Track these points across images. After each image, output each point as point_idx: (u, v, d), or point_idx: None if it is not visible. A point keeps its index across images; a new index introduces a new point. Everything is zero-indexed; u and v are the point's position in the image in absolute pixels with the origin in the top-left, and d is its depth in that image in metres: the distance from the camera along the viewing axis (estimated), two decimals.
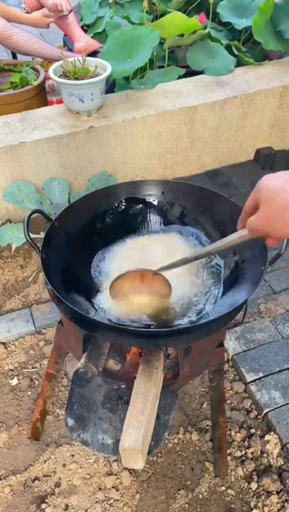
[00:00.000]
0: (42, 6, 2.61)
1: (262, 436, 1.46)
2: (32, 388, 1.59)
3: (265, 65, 2.47)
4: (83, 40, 2.65)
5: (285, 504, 1.32)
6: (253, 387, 1.55)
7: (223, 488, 1.36)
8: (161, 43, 2.39)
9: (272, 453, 1.42)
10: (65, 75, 2.06)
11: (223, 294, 1.02)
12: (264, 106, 2.35)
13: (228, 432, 1.46)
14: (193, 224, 1.14)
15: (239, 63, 2.46)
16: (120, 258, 1.08)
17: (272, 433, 1.45)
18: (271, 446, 1.42)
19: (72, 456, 1.42)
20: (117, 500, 1.33)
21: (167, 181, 1.17)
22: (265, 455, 1.42)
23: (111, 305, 0.98)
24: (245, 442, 1.45)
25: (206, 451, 1.43)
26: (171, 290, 0.95)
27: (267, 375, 1.58)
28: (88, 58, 2.07)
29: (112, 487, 1.35)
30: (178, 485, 1.37)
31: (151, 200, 1.17)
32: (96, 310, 0.98)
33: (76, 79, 2.02)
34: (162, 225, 1.16)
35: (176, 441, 1.46)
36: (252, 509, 1.31)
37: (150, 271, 0.93)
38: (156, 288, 0.95)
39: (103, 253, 1.10)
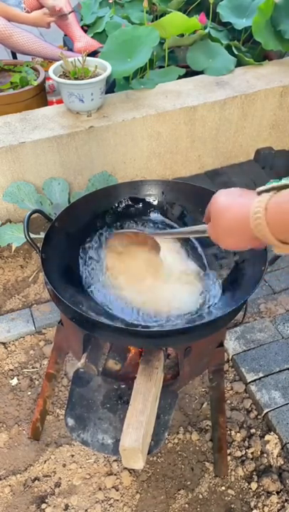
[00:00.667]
0: (42, 6, 2.60)
1: (262, 436, 1.46)
2: (32, 388, 1.59)
3: (265, 65, 2.47)
4: (83, 40, 2.65)
5: (285, 504, 1.32)
6: (253, 387, 1.55)
7: (223, 488, 1.36)
8: (161, 43, 2.39)
9: (272, 453, 1.42)
10: (65, 75, 2.06)
11: (223, 293, 1.02)
12: (264, 106, 2.35)
13: (228, 432, 1.46)
14: (193, 224, 1.14)
15: (239, 63, 2.46)
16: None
17: (272, 433, 1.46)
18: (271, 446, 1.42)
19: (72, 456, 1.42)
20: (117, 500, 1.33)
21: (167, 181, 1.17)
22: (265, 455, 1.42)
23: (106, 279, 1.04)
24: (245, 442, 1.45)
25: (206, 451, 1.43)
26: (160, 248, 1.02)
27: (267, 375, 1.58)
28: (88, 58, 2.07)
29: (112, 487, 1.35)
30: (178, 485, 1.37)
31: (151, 200, 1.17)
32: (89, 292, 1.01)
33: (76, 79, 2.02)
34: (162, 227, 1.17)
35: (176, 441, 1.46)
36: (252, 509, 1.31)
37: (144, 233, 1.02)
38: (149, 242, 1.02)
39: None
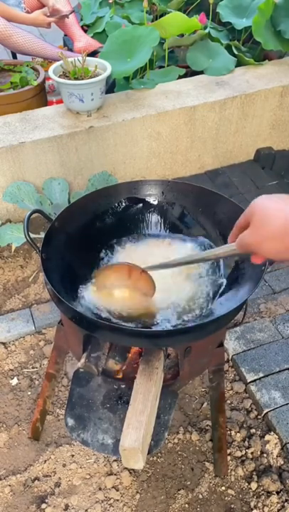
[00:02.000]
0: (42, 6, 2.61)
1: (262, 436, 1.46)
2: (32, 388, 1.59)
3: (265, 65, 2.47)
4: (83, 40, 2.65)
5: (285, 504, 1.32)
6: (253, 387, 1.55)
7: (223, 488, 1.36)
8: (161, 43, 2.40)
9: (272, 453, 1.42)
10: (65, 75, 2.06)
11: (223, 293, 1.02)
12: (264, 106, 2.35)
13: (228, 432, 1.46)
14: (193, 224, 1.14)
15: (239, 63, 2.46)
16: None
17: (272, 433, 1.45)
18: (271, 446, 1.42)
19: (72, 456, 1.42)
20: (117, 500, 1.33)
21: (167, 181, 1.17)
22: (265, 455, 1.42)
23: (94, 294, 0.99)
24: (245, 442, 1.45)
25: (206, 451, 1.43)
26: (154, 291, 0.96)
27: (267, 375, 1.58)
28: (88, 58, 2.07)
29: (112, 487, 1.35)
30: (178, 485, 1.37)
31: (151, 200, 1.17)
32: (77, 298, 0.99)
33: (76, 79, 2.02)
34: (166, 231, 1.16)
35: (176, 441, 1.46)
36: (252, 509, 1.31)
37: (138, 268, 0.94)
38: (141, 285, 0.95)
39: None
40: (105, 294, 0.98)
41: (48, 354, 1.67)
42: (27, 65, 2.47)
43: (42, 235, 1.84)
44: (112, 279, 0.97)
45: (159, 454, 1.43)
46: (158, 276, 0.99)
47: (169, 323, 0.96)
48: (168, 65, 2.46)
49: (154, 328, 0.94)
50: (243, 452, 1.42)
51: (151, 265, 0.96)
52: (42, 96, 2.42)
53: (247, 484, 1.36)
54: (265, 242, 0.68)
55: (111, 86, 2.40)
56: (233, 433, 1.46)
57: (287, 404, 1.50)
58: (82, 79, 2.01)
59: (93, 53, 2.54)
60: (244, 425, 1.49)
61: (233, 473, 1.38)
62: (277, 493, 1.34)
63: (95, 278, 0.98)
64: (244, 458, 1.42)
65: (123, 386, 0.96)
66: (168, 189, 1.16)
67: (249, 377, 1.57)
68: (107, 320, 0.94)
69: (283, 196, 0.69)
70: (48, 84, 2.63)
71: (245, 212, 0.73)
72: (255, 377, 1.57)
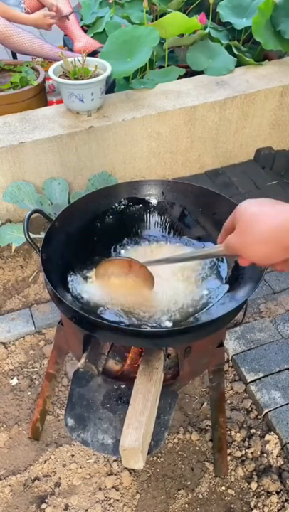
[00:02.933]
0: (42, 6, 2.61)
1: (262, 436, 1.46)
2: (32, 388, 1.59)
3: (265, 65, 2.47)
4: (83, 40, 2.65)
5: (285, 504, 1.32)
6: (253, 387, 1.55)
7: (223, 488, 1.36)
8: (161, 43, 2.40)
9: (272, 453, 1.42)
10: (65, 75, 2.06)
11: (223, 294, 1.02)
12: (264, 106, 2.35)
13: (228, 432, 1.46)
14: (193, 224, 1.14)
15: (239, 63, 2.46)
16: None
17: (272, 433, 1.46)
18: (271, 446, 1.42)
19: (72, 456, 1.42)
20: (117, 500, 1.33)
21: (167, 181, 1.17)
22: (265, 455, 1.42)
23: (94, 284, 1.00)
24: (245, 442, 1.45)
25: (206, 451, 1.43)
26: (154, 283, 0.98)
27: (267, 375, 1.58)
28: (88, 58, 2.07)
29: (112, 487, 1.35)
30: (178, 485, 1.37)
31: (151, 200, 1.17)
32: (72, 294, 0.99)
33: (76, 79, 2.02)
34: (166, 231, 1.17)
35: (176, 441, 1.46)
36: (252, 509, 1.31)
37: (138, 262, 0.96)
38: (141, 276, 0.97)
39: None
40: (106, 284, 0.99)
41: (48, 354, 1.67)
42: (27, 65, 2.47)
43: (42, 235, 1.84)
44: (114, 269, 0.98)
45: (159, 454, 1.43)
46: (158, 275, 0.99)
47: (169, 323, 0.96)
48: (168, 65, 2.46)
49: (154, 328, 0.94)
50: (243, 452, 1.42)
51: (148, 260, 0.97)
52: (42, 96, 2.42)
53: (247, 484, 1.36)
54: (249, 246, 0.70)
55: (111, 86, 2.40)
56: (233, 433, 1.46)
57: (287, 404, 1.50)
58: (82, 79, 2.01)
59: (93, 53, 2.54)
60: (244, 425, 1.49)
61: (233, 473, 1.38)
62: (277, 493, 1.34)
63: (96, 270, 1.00)
64: (244, 458, 1.42)
65: (123, 386, 0.96)
66: (168, 189, 1.16)
67: (249, 377, 1.57)
68: (108, 312, 0.94)
69: (268, 201, 0.70)
70: (48, 84, 2.63)
71: (231, 216, 0.74)
72: (255, 377, 1.57)
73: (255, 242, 0.68)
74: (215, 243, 0.84)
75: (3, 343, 1.72)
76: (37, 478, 1.38)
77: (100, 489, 1.35)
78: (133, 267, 0.96)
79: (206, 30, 2.41)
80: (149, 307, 0.97)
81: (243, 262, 0.76)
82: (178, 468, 1.40)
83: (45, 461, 1.41)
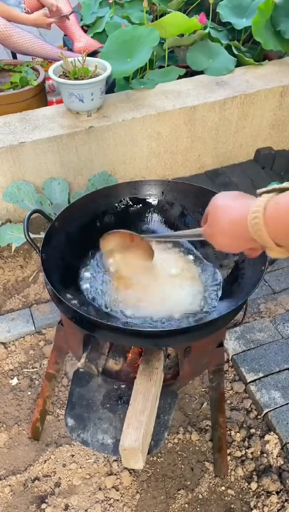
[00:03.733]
0: (42, 6, 2.61)
1: (262, 436, 1.46)
2: (32, 388, 1.59)
3: (265, 65, 2.47)
4: (83, 40, 2.65)
5: (285, 504, 1.32)
6: (252, 387, 1.55)
7: (223, 488, 1.36)
8: (161, 43, 2.39)
9: (272, 453, 1.42)
10: (65, 75, 2.06)
11: (223, 293, 1.02)
12: (264, 106, 2.35)
13: (228, 432, 1.46)
14: (193, 224, 1.14)
15: (239, 63, 2.46)
16: None
17: (272, 433, 1.46)
18: (271, 446, 1.42)
19: (72, 456, 1.42)
20: (117, 500, 1.33)
21: (167, 181, 1.17)
22: (265, 455, 1.42)
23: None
24: (245, 442, 1.45)
25: (206, 451, 1.43)
26: (154, 255, 1.02)
27: (267, 375, 1.58)
28: (88, 58, 2.07)
29: (112, 487, 1.35)
30: (178, 485, 1.37)
31: (151, 200, 1.17)
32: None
33: (76, 79, 2.02)
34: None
35: (176, 441, 1.46)
36: (252, 509, 1.31)
37: (138, 235, 1.01)
38: (143, 247, 1.01)
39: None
40: (109, 253, 1.04)
41: (48, 354, 1.67)
42: (27, 65, 2.47)
43: (42, 235, 1.84)
44: (117, 240, 1.02)
45: (159, 454, 1.43)
46: (158, 276, 0.99)
47: (169, 323, 0.96)
48: (168, 65, 2.46)
49: (154, 329, 0.94)
50: (243, 452, 1.42)
51: (148, 234, 1.06)
52: (42, 96, 2.42)
53: (247, 484, 1.36)
54: (214, 236, 0.75)
55: (111, 86, 2.40)
56: (233, 433, 1.46)
57: (287, 404, 1.50)
58: (82, 79, 2.01)
59: (93, 53, 2.54)
60: (244, 425, 1.49)
61: (233, 473, 1.39)
62: (277, 493, 1.34)
63: (101, 242, 1.03)
64: (244, 458, 1.42)
65: (123, 386, 0.96)
66: (168, 189, 1.16)
67: (249, 377, 1.57)
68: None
69: (237, 194, 0.73)
70: (48, 84, 2.63)
71: (207, 208, 0.79)
72: (255, 377, 1.57)
73: (218, 233, 0.73)
74: None
75: (3, 343, 1.72)
76: (37, 478, 1.38)
77: (99, 489, 1.35)
78: (135, 237, 1.01)
79: (206, 30, 2.41)
80: (151, 275, 1.02)
81: (216, 248, 0.80)
82: (178, 468, 1.40)
83: (45, 461, 1.41)
